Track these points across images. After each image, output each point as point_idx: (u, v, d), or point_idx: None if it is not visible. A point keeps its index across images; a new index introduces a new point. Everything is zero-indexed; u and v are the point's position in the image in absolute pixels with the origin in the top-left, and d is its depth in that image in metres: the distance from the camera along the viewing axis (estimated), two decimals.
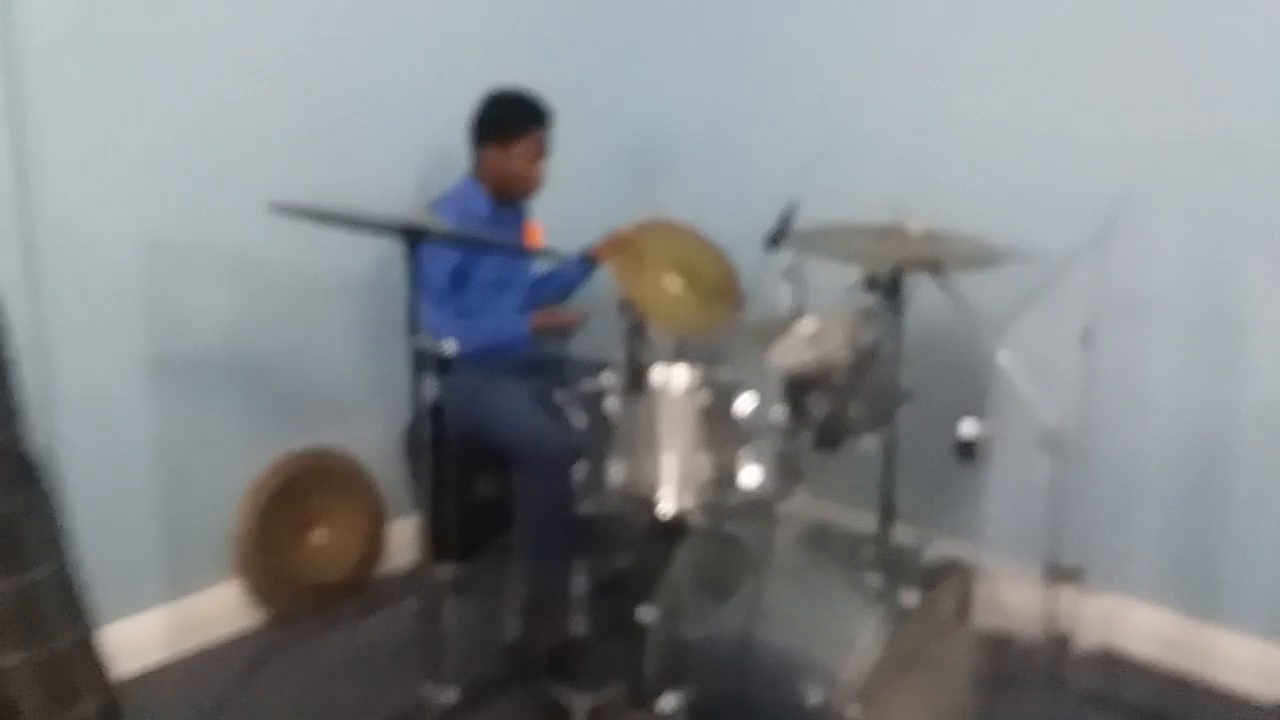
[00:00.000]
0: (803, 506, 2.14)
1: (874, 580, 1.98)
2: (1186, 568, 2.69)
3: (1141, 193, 2.56)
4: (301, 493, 2.90)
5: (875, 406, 2.25)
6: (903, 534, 2.62)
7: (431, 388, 2.07)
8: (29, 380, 1.55)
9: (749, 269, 2.96)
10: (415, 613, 2.23)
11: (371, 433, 3.02)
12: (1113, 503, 2.72)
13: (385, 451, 2.99)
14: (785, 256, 2.77)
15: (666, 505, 2.07)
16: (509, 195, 2.84)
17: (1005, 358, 2.19)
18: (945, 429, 2.14)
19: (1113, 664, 2.72)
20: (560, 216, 3.08)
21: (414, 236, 2.00)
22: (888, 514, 2.56)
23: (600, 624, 2.41)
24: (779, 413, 2.13)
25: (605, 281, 2.97)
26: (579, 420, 2.23)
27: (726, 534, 2.17)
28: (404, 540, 3.02)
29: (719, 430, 2.10)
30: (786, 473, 2.14)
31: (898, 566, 2.03)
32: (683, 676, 1.99)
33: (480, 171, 2.82)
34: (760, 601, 1.95)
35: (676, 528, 2.15)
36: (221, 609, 2.79)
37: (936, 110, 2.96)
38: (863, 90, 3.10)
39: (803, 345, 2.29)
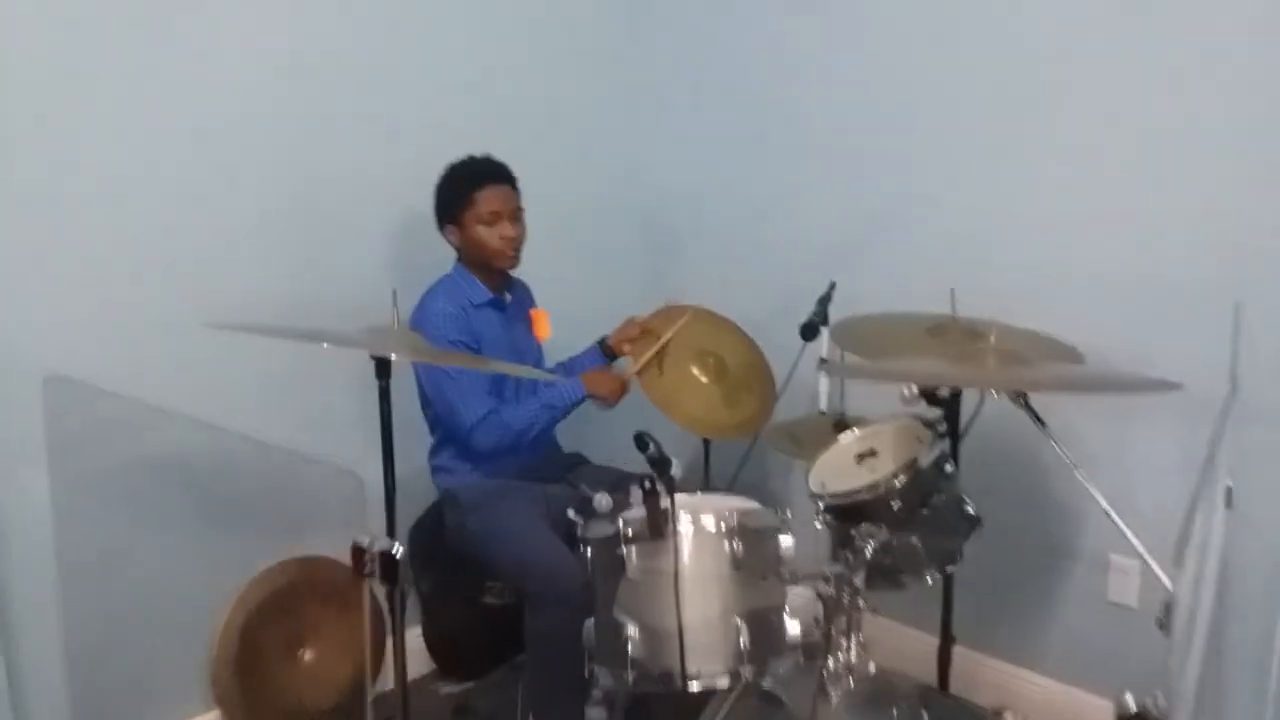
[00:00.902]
0: (854, 660, 1.84)
1: None
2: None
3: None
4: (287, 608, 2.64)
5: (939, 537, 1.94)
6: (964, 659, 2.34)
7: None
8: None
9: (780, 359, 2.70)
10: None
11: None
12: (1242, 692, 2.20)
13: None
14: (822, 344, 2.52)
15: (692, 684, 1.77)
16: (491, 273, 2.55)
17: (1097, 490, 1.88)
18: (1014, 543, 1.81)
19: None
20: (573, 301, 2.85)
21: (383, 367, 1.75)
22: (946, 648, 2.27)
23: None
24: (825, 552, 1.84)
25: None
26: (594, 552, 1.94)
27: (766, 693, 1.86)
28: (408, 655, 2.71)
29: (754, 581, 1.80)
30: (835, 622, 1.83)
31: None
32: None
33: (460, 257, 2.56)
34: None
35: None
36: None
37: (991, 186, 2.62)
38: (904, 167, 2.78)
39: (850, 465, 2.00)
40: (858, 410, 2.44)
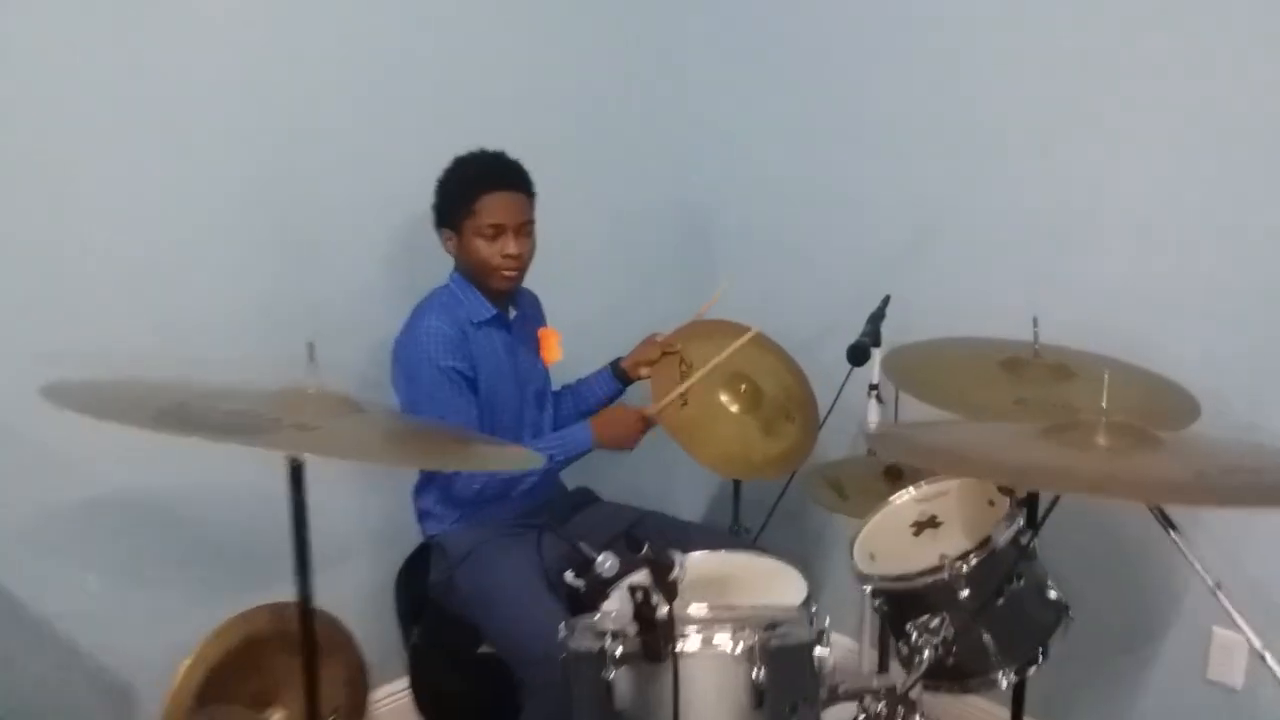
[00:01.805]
0: None
1: None
2: None
3: None
4: (253, 663, 2.33)
5: (1018, 633, 1.56)
6: None
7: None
8: None
9: (824, 385, 2.36)
10: None
11: (351, 581, 2.44)
12: None
13: (368, 603, 2.43)
14: (873, 369, 2.16)
15: None
16: (490, 291, 2.18)
17: (1198, 562, 1.48)
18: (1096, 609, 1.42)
19: None
20: (595, 318, 2.58)
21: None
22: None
23: None
24: (870, 641, 1.46)
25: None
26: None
27: None
28: (393, 713, 2.55)
29: (781, 701, 1.41)
30: None
31: None
32: None
33: (458, 266, 2.19)
34: None
35: None
36: None
37: (1075, 189, 2.23)
38: (972, 165, 2.39)
39: (906, 534, 1.62)
40: None
